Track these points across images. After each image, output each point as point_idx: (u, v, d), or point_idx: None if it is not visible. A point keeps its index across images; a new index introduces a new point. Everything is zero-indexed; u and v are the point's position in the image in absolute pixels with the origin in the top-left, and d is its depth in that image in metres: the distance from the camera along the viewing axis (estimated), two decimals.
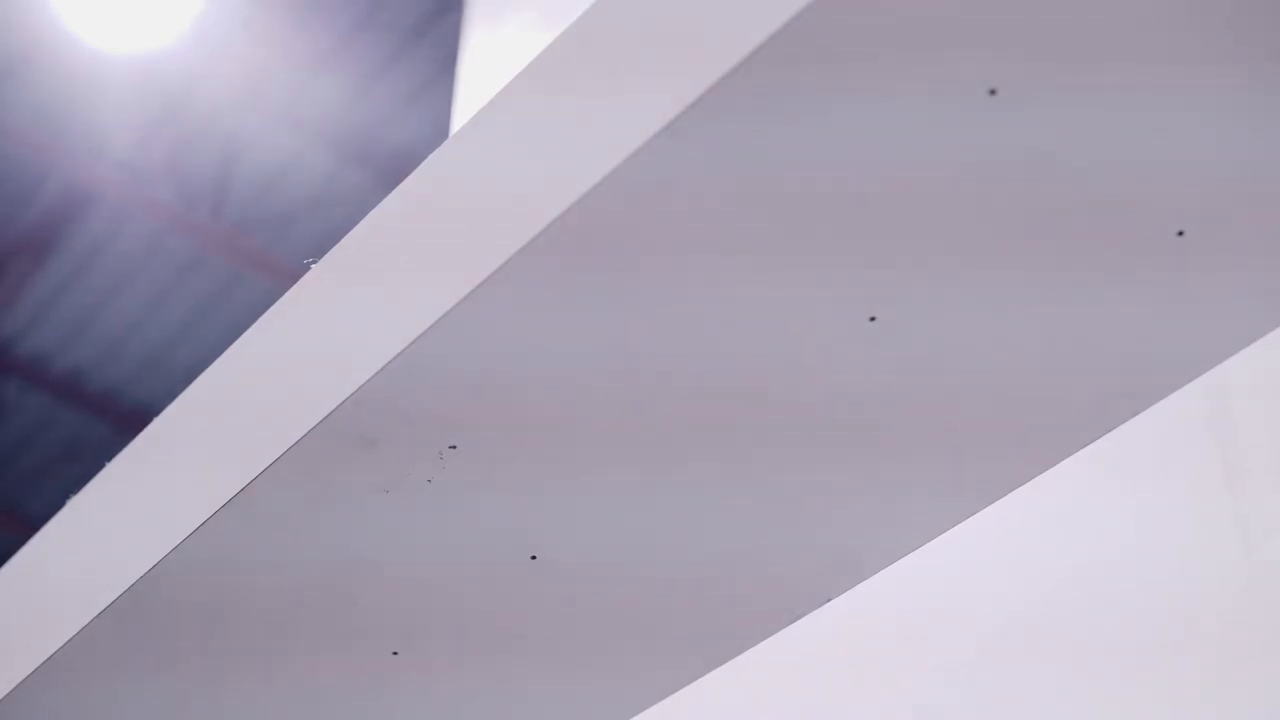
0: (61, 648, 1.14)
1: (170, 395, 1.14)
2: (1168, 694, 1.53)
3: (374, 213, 1.00)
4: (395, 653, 1.17)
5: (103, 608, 1.11)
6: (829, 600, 1.17)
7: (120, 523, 1.15)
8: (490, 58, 3.70)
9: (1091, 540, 1.69)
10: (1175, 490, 1.60)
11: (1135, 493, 1.57)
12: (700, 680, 1.27)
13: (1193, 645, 1.50)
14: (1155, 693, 1.54)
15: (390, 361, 0.93)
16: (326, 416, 0.96)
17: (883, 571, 1.18)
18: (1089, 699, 1.61)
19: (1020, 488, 1.10)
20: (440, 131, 5.21)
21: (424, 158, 0.97)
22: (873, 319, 0.93)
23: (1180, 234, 0.89)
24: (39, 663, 1.16)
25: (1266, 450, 1.53)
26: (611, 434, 1.01)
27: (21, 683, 1.19)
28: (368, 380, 0.94)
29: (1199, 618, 1.46)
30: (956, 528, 1.14)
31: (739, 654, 1.23)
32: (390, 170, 6.17)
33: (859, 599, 1.21)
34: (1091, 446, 1.08)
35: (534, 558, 1.10)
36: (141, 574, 1.08)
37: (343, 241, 1.01)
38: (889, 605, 1.70)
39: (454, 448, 1.00)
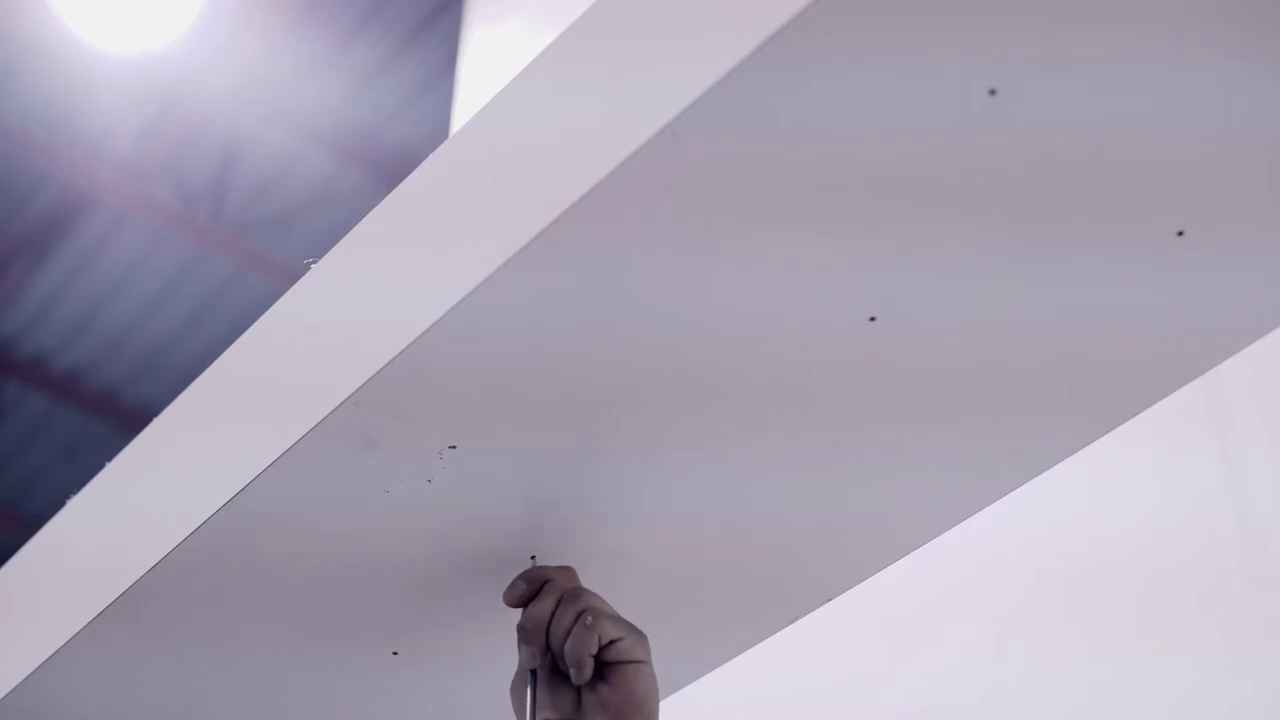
0: (61, 648, 1.14)
1: (170, 395, 1.14)
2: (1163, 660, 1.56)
3: (374, 213, 1.00)
4: (395, 653, 1.17)
5: (102, 608, 1.11)
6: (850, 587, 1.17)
7: (120, 523, 1.15)
8: (490, 57, 3.70)
9: (1096, 520, 1.70)
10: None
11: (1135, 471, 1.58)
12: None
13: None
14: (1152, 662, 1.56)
15: (391, 362, 0.93)
16: (326, 417, 0.96)
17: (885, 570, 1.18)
18: (1092, 677, 1.62)
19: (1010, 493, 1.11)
20: (440, 131, 5.20)
21: (424, 158, 0.97)
22: (873, 319, 0.93)
23: (1180, 234, 0.89)
24: (39, 663, 1.16)
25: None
26: (612, 434, 1.01)
27: (21, 683, 1.19)
28: (368, 380, 0.94)
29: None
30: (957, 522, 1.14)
31: (752, 646, 1.22)
32: (390, 170, 6.16)
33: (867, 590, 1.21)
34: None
35: (533, 558, 1.10)
36: (141, 574, 1.08)
37: (343, 241, 1.01)
38: (892, 605, 1.70)
39: (454, 448, 1.00)
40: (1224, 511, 1.67)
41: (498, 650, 1.10)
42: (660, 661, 1.05)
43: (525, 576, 1.06)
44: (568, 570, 1.07)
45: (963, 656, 1.85)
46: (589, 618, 1.01)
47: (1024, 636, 1.82)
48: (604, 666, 1.02)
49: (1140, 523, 1.75)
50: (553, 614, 1.03)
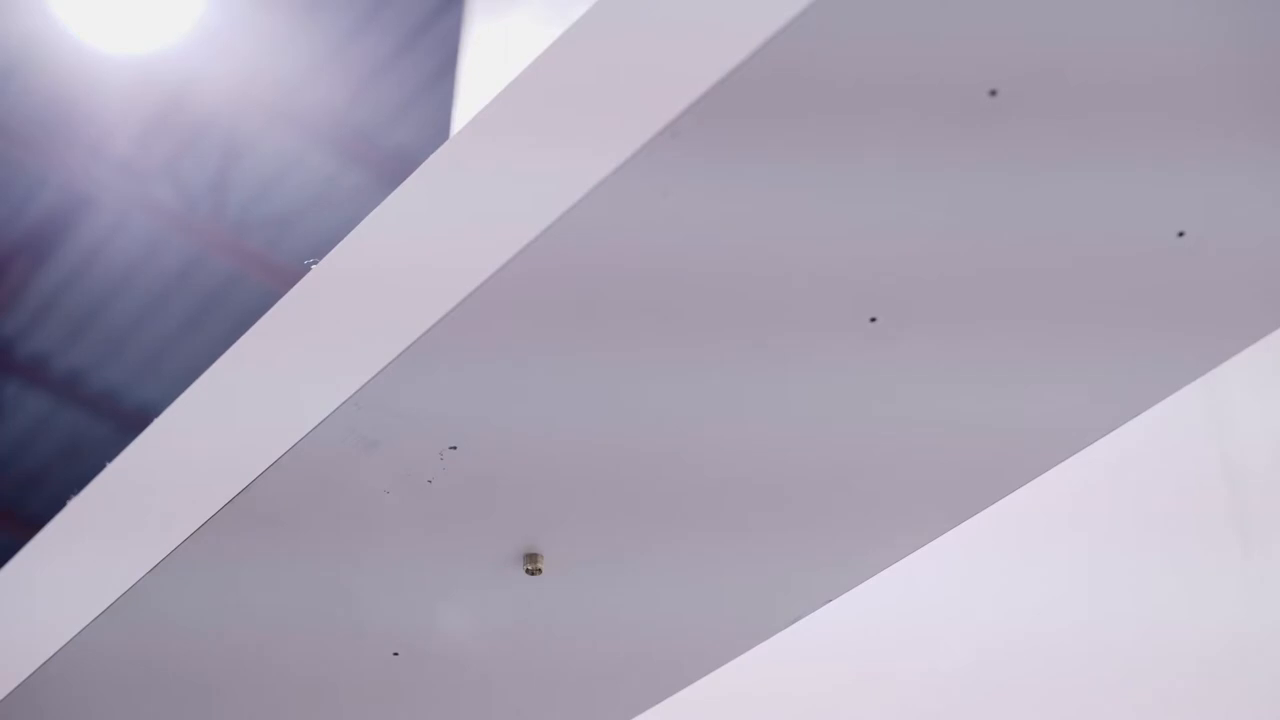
0: (59, 651, 1.14)
1: (170, 395, 1.14)
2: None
3: (374, 213, 1.00)
4: (396, 654, 1.17)
5: (101, 610, 1.11)
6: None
7: (120, 524, 1.15)
8: (491, 57, 3.70)
9: None
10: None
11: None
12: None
13: None
14: None
15: (391, 362, 0.93)
16: (327, 417, 0.96)
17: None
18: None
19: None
20: (440, 131, 5.21)
21: (424, 158, 0.97)
22: (872, 320, 0.93)
23: (1180, 235, 0.89)
24: (37, 666, 1.16)
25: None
26: (613, 431, 1.01)
27: (19, 685, 1.18)
28: (368, 381, 0.94)
29: None
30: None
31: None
32: (390, 170, 6.17)
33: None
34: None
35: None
36: (140, 576, 1.08)
37: (343, 242, 1.01)
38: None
39: (454, 448, 1.00)
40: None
41: (497, 650, 1.10)
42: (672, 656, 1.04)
43: None
44: None
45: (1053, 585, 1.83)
46: None
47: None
48: None
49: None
50: None
